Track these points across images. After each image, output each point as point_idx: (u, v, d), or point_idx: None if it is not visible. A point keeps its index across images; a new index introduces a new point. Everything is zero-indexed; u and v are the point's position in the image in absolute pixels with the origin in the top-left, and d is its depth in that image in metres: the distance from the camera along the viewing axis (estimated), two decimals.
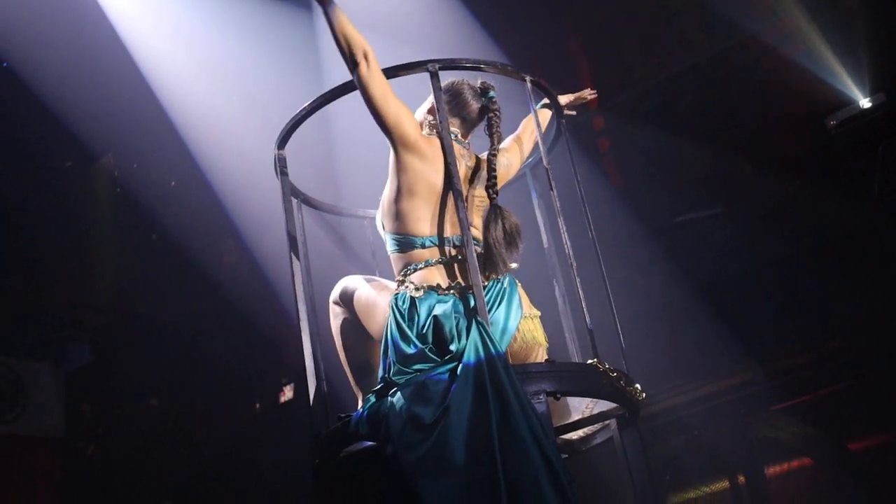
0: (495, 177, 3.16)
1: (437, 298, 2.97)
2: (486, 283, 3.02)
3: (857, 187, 5.04)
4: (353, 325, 3.23)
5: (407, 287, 3.02)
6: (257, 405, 7.88)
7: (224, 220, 7.67)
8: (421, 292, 2.99)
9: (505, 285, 3.07)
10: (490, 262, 3.04)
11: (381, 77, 3.07)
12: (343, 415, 3.00)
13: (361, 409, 2.90)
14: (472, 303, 2.90)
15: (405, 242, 3.11)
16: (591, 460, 3.61)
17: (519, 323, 3.08)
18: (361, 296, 3.21)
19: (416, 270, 3.06)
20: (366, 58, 3.03)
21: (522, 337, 3.12)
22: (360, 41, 3.04)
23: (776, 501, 5.36)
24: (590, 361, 3.08)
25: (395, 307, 2.98)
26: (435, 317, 2.91)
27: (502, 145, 3.32)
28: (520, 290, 3.15)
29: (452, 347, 2.83)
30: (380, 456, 2.72)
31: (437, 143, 3.12)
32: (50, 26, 7.42)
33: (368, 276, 3.30)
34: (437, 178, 3.10)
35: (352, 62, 3.04)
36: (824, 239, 5.29)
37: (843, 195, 5.23)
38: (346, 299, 3.25)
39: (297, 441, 5.94)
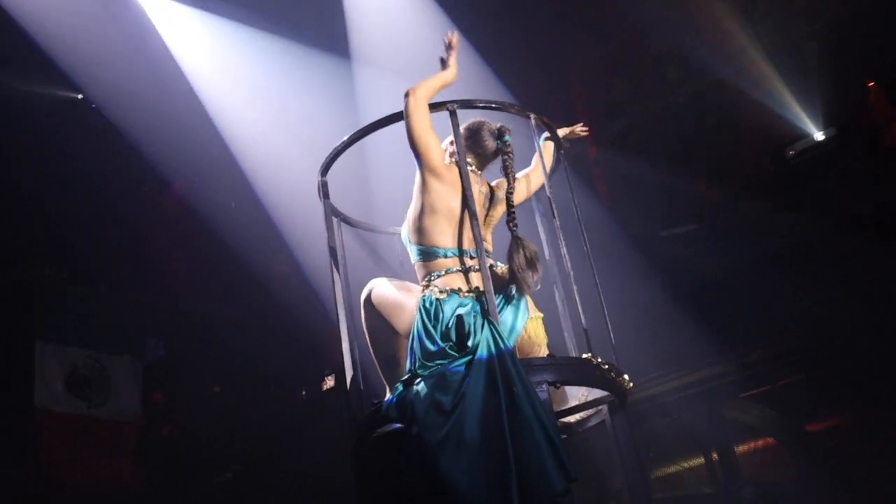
0: (514, 212, 3.15)
1: (459, 301, 2.98)
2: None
3: (813, 206, 5.02)
4: (382, 323, 3.22)
5: (432, 290, 3.03)
6: (304, 392, 7.90)
7: (276, 236, 7.71)
8: (445, 295, 3.00)
9: (514, 291, 3.09)
10: (516, 284, 3.04)
11: (424, 113, 3.13)
12: (375, 401, 3.02)
13: (391, 397, 2.92)
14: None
15: (429, 253, 3.13)
16: (586, 440, 3.60)
17: (525, 323, 3.10)
18: (389, 298, 3.21)
19: (438, 277, 3.07)
20: (415, 94, 3.12)
21: (527, 335, 3.13)
22: (426, 87, 3.18)
23: (744, 474, 5.34)
24: (585, 356, 3.09)
25: (422, 308, 2.98)
26: (459, 316, 2.91)
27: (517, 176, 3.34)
28: (526, 295, 3.16)
29: (469, 343, 2.85)
30: (407, 436, 2.73)
31: (457, 171, 3.15)
32: (131, 73, 7.49)
33: (392, 279, 3.31)
34: (456, 200, 3.12)
35: (407, 93, 3.14)
36: (786, 250, 5.28)
37: (800, 213, 5.21)
38: (375, 300, 3.24)
39: (337, 422, 5.95)
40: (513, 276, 3.04)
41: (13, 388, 6.82)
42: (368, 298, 3.28)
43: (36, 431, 6.65)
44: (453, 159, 3.29)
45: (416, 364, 2.89)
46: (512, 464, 2.56)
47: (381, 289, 3.25)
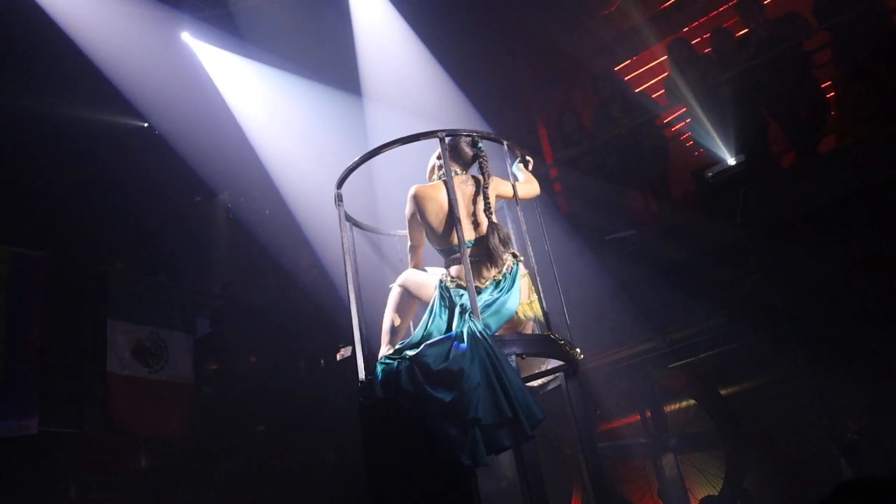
0: (489, 203, 3.18)
1: (459, 296, 3.03)
2: (497, 277, 3.09)
3: (725, 216, 5.02)
4: (406, 298, 3.28)
5: (447, 276, 3.15)
6: (322, 361, 7.86)
7: (301, 236, 7.68)
8: (454, 284, 3.10)
9: (511, 277, 3.10)
10: (492, 259, 3.10)
11: (416, 261, 3.34)
12: (370, 376, 3.00)
13: (378, 376, 2.91)
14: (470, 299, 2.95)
15: (443, 251, 3.23)
16: (546, 400, 3.59)
17: (517, 306, 3.09)
18: (418, 277, 3.28)
19: (452, 265, 3.17)
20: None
21: (518, 315, 3.12)
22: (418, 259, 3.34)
23: (671, 427, 5.33)
24: (546, 333, 3.08)
25: (440, 286, 3.11)
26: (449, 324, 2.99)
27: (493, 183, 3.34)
28: (523, 281, 3.16)
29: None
30: (397, 405, 2.76)
31: (443, 188, 3.15)
32: (186, 106, 7.46)
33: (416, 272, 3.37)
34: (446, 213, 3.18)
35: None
36: (704, 251, 5.27)
37: (716, 222, 5.21)
38: (406, 280, 3.31)
39: (349, 386, 5.92)
40: (491, 253, 3.08)
41: (90, 356, 6.78)
42: (403, 282, 3.31)
43: (107, 392, 6.59)
44: (440, 174, 3.28)
45: (412, 341, 2.91)
46: (510, 393, 2.61)
47: (412, 273, 3.32)
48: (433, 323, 2.98)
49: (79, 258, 7.56)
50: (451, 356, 2.69)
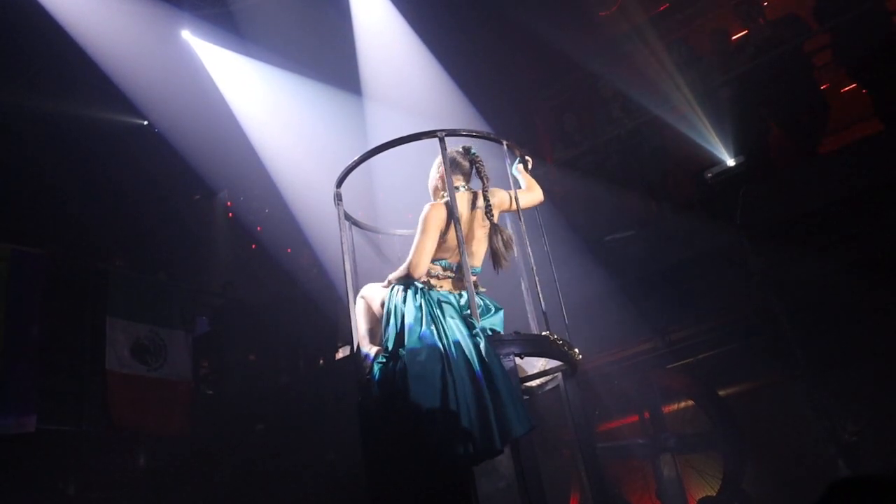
0: (490, 206, 3.16)
1: (406, 295, 3.02)
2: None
3: (725, 217, 5.01)
4: (367, 308, 3.25)
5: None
6: (321, 361, 7.85)
7: (300, 236, 7.68)
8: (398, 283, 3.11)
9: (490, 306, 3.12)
10: (495, 260, 3.12)
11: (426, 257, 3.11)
12: (367, 375, 2.99)
13: (375, 374, 2.89)
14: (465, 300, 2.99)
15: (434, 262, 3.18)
16: (544, 400, 3.59)
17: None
18: (371, 290, 3.26)
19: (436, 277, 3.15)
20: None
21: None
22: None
23: (669, 428, 5.32)
24: (544, 333, 3.08)
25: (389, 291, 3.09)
26: (389, 310, 3.01)
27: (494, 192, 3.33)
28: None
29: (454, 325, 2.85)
30: (394, 405, 2.74)
31: (445, 208, 3.14)
32: (185, 104, 7.46)
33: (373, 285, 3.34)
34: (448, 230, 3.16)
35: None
36: (703, 252, 5.26)
37: (715, 222, 5.20)
38: (363, 293, 3.28)
39: (347, 385, 5.91)
40: (494, 254, 3.09)
41: (89, 354, 6.78)
42: (363, 294, 3.30)
43: (106, 390, 6.59)
44: (444, 194, 3.23)
45: (392, 342, 2.91)
46: (490, 408, 2.55)
47: (368, 289, 3.30)
48: (406, 319, 2.96)
49: (79, 256, 7.56)
50: (436, 366, 2.69)
